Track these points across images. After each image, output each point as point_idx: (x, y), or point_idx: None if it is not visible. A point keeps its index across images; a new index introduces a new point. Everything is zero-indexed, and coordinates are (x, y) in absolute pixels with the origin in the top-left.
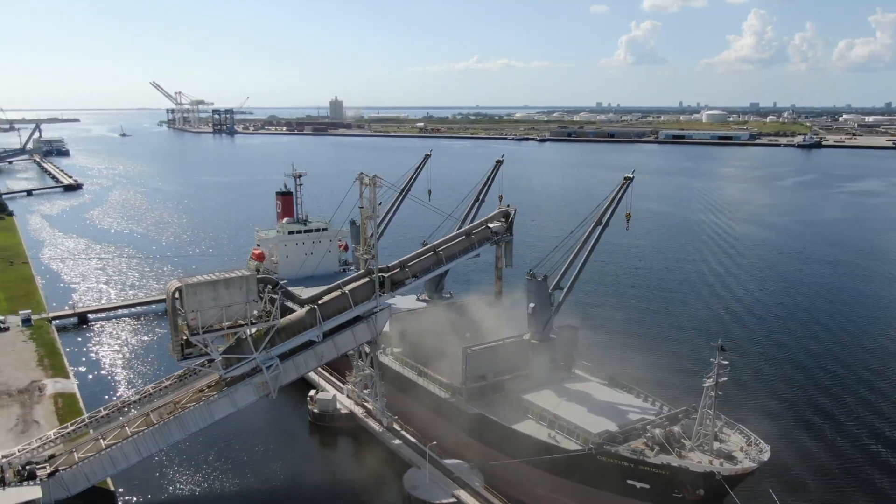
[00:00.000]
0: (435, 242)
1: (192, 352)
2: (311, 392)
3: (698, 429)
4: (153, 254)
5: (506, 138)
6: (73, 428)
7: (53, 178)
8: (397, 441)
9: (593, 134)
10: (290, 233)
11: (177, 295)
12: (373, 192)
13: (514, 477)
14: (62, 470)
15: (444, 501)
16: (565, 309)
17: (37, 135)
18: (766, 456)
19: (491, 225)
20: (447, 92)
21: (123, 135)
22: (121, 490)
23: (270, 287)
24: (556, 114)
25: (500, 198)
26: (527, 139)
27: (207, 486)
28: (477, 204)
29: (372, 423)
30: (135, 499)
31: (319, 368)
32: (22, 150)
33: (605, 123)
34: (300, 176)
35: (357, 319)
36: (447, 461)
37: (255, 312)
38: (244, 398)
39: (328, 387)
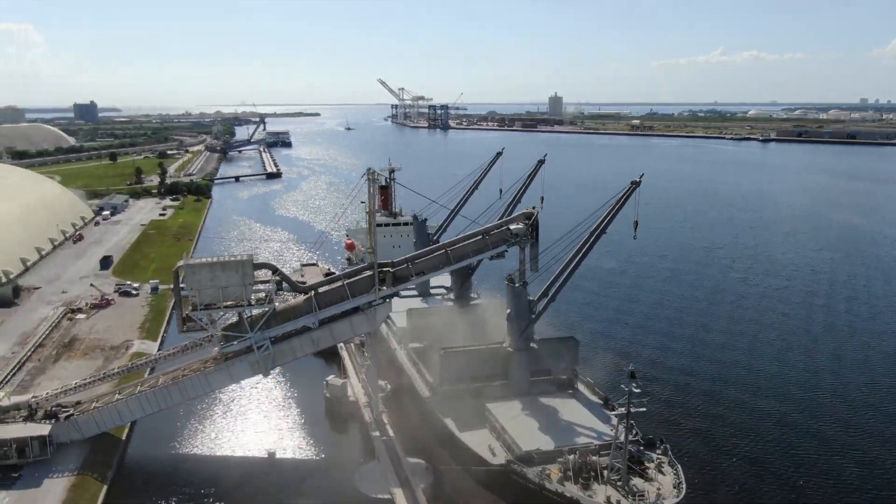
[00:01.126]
0: (448, 241)
1: (192, 325)
2: (329, 377)
3: (612, 462)
4: (314, 238)
5: (723, 138)
6: (90, 380)
7: (263, 166)
8: (377, 433)
9: (829, 134)
10: (378, 225)
11: (179, 274)
12: (375, 188)
13: (457, 483)
14: (77, 415)
15: (380, 497)
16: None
17: (262, 128)
18: (672, 501)
19: (511, 226)
20: (685, 87)
21: (348, 128)
22: (133, 440)
23: (270, 272)
24: (797, 112)
25: (542, 199)
26: (748, 139)
27: (211, 445)
28: (513, 204)
29: (367, 413)
30: (143, 450)
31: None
32: (248, 142)
33: (854, 123)
34: (393, 171)
35: (356, 311)
36: (411, 459)
37: (258, 295)
38: (240, 373)
39: (351, 373)
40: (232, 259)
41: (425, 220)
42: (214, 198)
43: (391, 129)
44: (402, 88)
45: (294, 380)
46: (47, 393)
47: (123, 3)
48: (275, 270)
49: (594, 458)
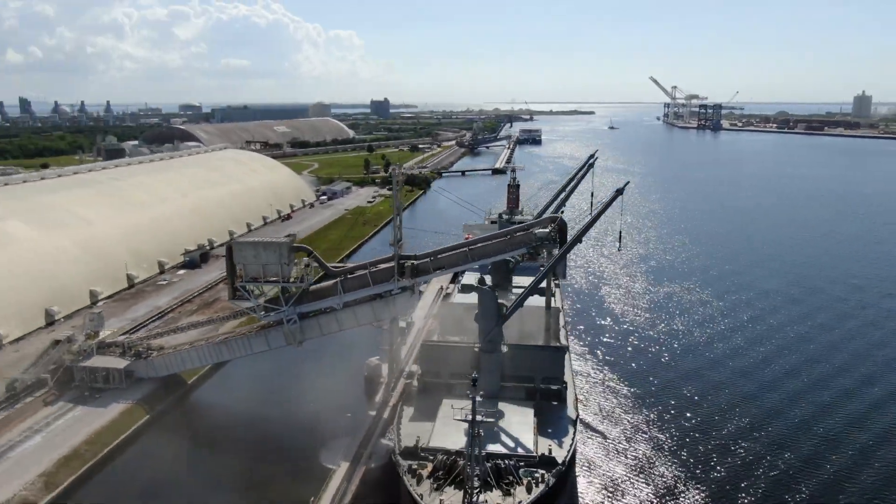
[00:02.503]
0: (473, 238)
1: (240, 295)
2: (374, 357)
3: (465, 469)
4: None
5: None
6: (169, 327)
7: (496, 162)
8: (372, 413)
9: None
10: (492, 222)
11: (232, 250)
12: (399, 183)
13: (384, 477)
14: (155, 357)
15: (330, 466)
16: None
17: (509, 126)
18: None
19: (536, 230)
20: None
21: (611, 127)
22: (200, 386)
23: (305, 254)
24: None
25: (592, 194)
26: None
27: (257, 406)
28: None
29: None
30: (200, 396)
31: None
32: (495, 138)
33: None
34: (515, 170)
35: (378, 297)
36: (383, 440)
37: (300, 273)
38: (275, 341)
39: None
40: (272, 241)
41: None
42: (432, 189)
43: (658, 129)
44: (675, 87)
45: (354, 356)
46: (138, 335)
47: (432, 9)
48: (310, 253)
49: (460, 460)
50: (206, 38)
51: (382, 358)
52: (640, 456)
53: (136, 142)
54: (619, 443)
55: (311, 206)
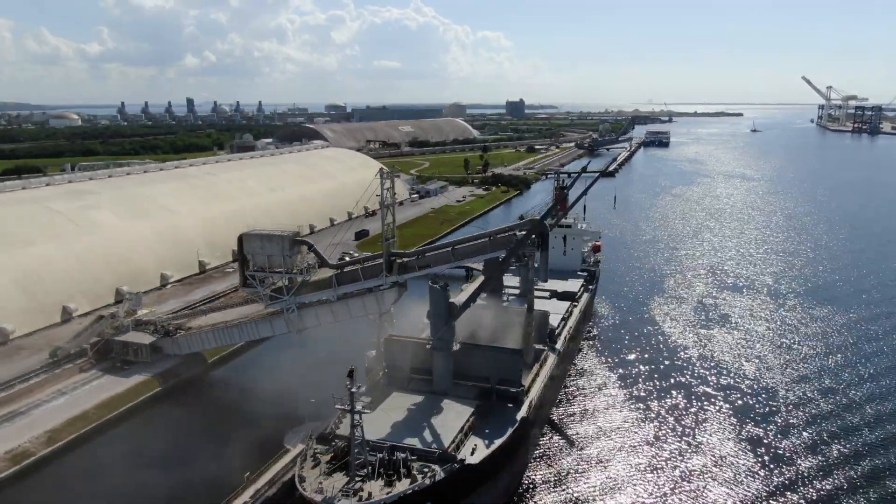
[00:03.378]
0: (457, 239)
1: (250, 283)
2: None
3: (351, 458)
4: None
5: None
6: (194, 310)
7: (609, 164)
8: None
9: None
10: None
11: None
12: (392, 183)
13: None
14: (179, 335)
15: (287, 447)
16: None
17: (633, 127)
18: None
19: (517, 232)
20: None
21: (754, 130)
22: (213, 359)
23: (306, 248)
24: None
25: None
26: None
27: (267, 385)
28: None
29: None
30: (219, 374)
31: None
32: (616, 140)
33: None
34: (560, 174)
35: (369, 291)
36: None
37: (301, 265)
38: (278, 328)
39: None
40: (276, 233)
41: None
42: (531, 191)
43: (808, 133)
44: (830, 87)
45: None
46: (167, 314)
47: (577, 13)
48: (310, 247)
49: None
50: (360, 41)
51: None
52: (587, 471)
53: (269, 140)
54: (571, 454)
55: (401, 203)
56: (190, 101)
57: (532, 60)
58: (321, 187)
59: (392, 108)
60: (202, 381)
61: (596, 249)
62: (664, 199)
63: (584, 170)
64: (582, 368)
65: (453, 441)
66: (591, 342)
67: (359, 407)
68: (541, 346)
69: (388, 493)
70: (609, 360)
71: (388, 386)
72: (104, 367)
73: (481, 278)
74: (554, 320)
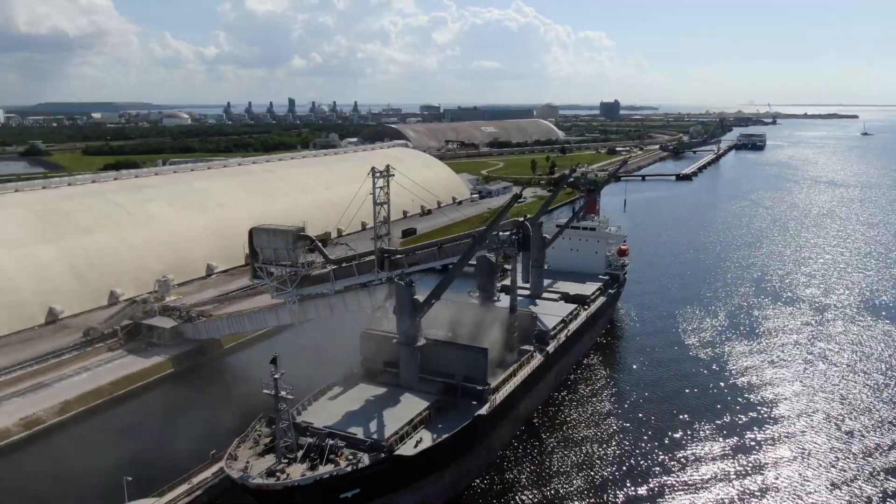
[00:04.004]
0: (444, 238)
1: (259, 274)
2: None
3: (277, 441)
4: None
5: None
6: (213, 300)
7: (686, 167)
8: None
9: None
10: (558, 226)
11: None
12: (387, 182)
13: None
14: (199, 321)
15: None
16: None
17: (720, 130)
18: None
19: (500, 233)
20: None
21: (864, 133)
22: (229, 345)
23: (309, 242)
24: None
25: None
26: None
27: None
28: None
29: None
30: (232, 360)
31: None
32: (703, 142)
33: None
34: (586, 176)
35: (363, 286)
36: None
37: (301, 260)
38: (283, 318)
39: None
40: (282, 228)
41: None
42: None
43: None
44: None
45: None
46: (190, 302)
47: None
48: (312, 242)
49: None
50: (461, 42)
51: None
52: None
53: (354, 139)
54: (539, 460)
55: (460, 203)
56: (291, 102)
57: (635, 60)
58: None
59: (483, 109)
60: (214, 365)
61: (622, 253)
62: (736, 205)
63: (616, 177)
64: (579, 374)
65: (396, 433)
66: (601, 348)
67: (283, 393)
68: (527, 347)
69: (303, 476)
70: (611, 367)
71: (363, 377)
72: (130, 348)
73: (445, 276)
74: (551, 322)
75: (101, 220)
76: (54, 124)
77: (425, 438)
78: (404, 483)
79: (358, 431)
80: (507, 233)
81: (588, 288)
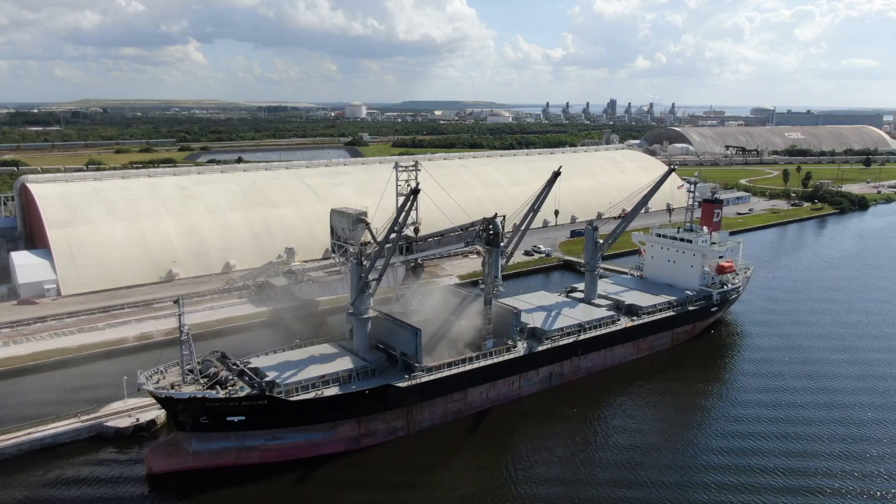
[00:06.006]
0: (445, 229)
1: (335, 247)
2: None
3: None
4: None
5: None
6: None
7: None
8: None
9: None
10: (658, 235)
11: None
12: (416, 176)
13: None
14: (303, 283)
15: None
16: None
17: None
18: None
19: (477, 228)
20: None
21: None
22: (323, 307)
23: (365, 225)
24: None
25: (556, 212)
26: None
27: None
28: (532, 213)
29: None
30: (324, 314)
31: None
32: None
33: None
34: (696, 183)
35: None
36: None
37: (362, 239)
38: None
39: None
40: (346, 211)
41: None
42: (867, 213)
43: None
44: None
45: None
46: (307, 268)
47: None
48: (367, 225)
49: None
50: (828, 38)
51: None
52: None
53: (637, 141)
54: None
55: (672, 210)
56: (612, 102)
57: None
58: (577, 185)
59: (818, 113)
60: (298, 318)
61: (722, 270)
62: None
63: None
64: (591, 385)
65: (300, 381)
66: (630, 369)
67: (185, 326)
68: (511, 341)
69: (180, 391)
70: (606, 393)
71: (337, 341)
72: (253, 300)
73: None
74: (562, 322)
75: (288, 197)
76: (398, 120)
77: (327, 392)
78: (290, 423)
79: (270, 374)
80: (476, 228)
81: (646, 299)
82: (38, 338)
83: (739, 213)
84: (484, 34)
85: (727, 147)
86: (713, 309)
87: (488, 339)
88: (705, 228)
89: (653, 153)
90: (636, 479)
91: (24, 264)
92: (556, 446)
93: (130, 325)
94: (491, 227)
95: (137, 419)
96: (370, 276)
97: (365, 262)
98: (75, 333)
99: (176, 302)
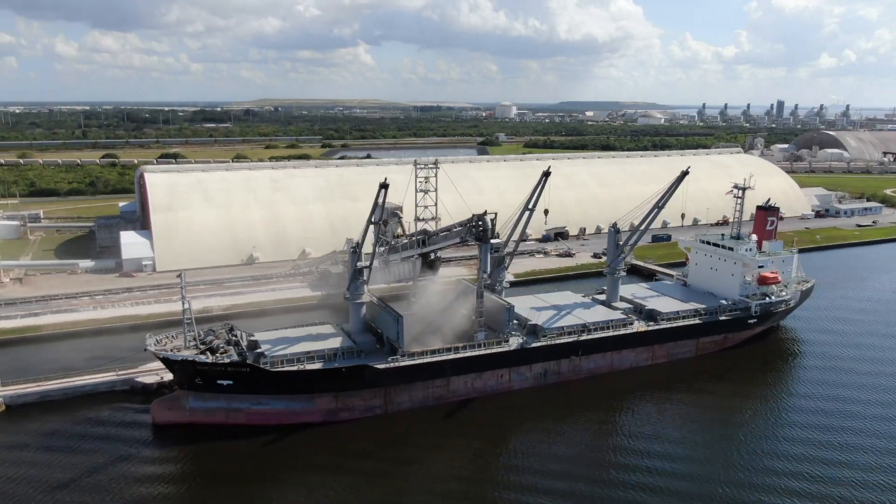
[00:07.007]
0: (439, 228)
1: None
2: None
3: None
4: None
5: None
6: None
7: None
8: None
9: None
10: (702, 242)
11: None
12: (435, 174)
13: None
14: None
15: None
16: None
17: None
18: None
19: (466, 225)
20: None
21: None
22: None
23: (398, 219)
24: None
25: (546, 211)
26: None
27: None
28: (527, 213)
29: None
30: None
31: None
32: None
33: None
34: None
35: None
36: None
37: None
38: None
39: None
40: (387, 207)
41: None
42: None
43: None
44: None
45: None
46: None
47: None
48: (399, 219)
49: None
50: None
51: None
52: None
53: (786, 145)
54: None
55: (782, 219)
56: (779, 104)
57: None
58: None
59: None
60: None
61: (764, 281)
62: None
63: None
64: (567, 382)
65: (286, 354)
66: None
67: (186, 296)
68: (504, 335)
69: (177, 353)
70: (606, 396)
71: (339, 322)
72: (313, 284)
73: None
74: (568, 321)
75: (370, 192)
76: (546, 121)
77: (309, 367)
78: (271, 390)
79: (264, 347)
80: (466, 226)
81: (671, 304)
82: (122, 305)
83: (859, 225)
84: (649, 32)
85: (884, 154)
86: (751, 321)
87: (479, 332)
88: (753, 237)
89: (799, 159)
90: (599, 477)
91: (129, 243)
92: (529, 439)
93: (199, 299)
94: (480, 223)
95: (161, 377)
96: (362, 264)
97: (358, 251)
98: (151, 304)
99: (178, 276)
